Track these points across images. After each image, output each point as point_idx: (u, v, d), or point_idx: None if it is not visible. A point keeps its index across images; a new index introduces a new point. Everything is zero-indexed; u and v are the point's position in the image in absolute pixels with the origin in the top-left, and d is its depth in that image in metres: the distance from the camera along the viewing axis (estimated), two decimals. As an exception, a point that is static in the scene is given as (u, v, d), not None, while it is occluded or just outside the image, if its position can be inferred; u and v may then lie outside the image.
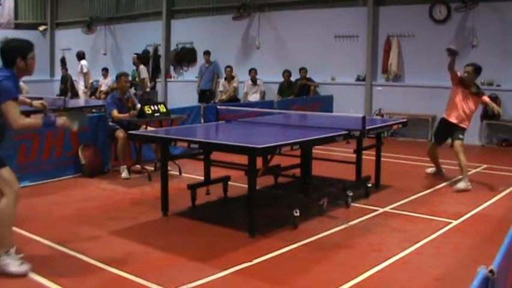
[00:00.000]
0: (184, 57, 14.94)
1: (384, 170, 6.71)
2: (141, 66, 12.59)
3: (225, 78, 12.93)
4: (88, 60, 16.29)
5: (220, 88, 12.97)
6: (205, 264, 4.04)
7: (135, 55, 12.91)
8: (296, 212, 4.91)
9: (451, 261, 4.18)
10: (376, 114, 11.55)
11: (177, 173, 7.19)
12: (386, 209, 5.65)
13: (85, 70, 12.52)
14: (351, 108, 11.24)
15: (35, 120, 4.10)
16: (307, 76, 12.31)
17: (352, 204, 5.74)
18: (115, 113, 7.24)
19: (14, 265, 3.77)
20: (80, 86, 13.24)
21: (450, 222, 5.15)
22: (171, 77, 15.39)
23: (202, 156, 5.83)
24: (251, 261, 4.07)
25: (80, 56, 13.09)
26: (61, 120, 3.98)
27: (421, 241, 4.58)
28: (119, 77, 7.73)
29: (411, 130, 10.56)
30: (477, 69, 6.91)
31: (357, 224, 5.13)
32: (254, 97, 12.56)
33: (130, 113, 7.18)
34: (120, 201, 5.93)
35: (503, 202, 6.03)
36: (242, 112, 8.49)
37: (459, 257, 4.27)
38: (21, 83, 13.72)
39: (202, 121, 9.18)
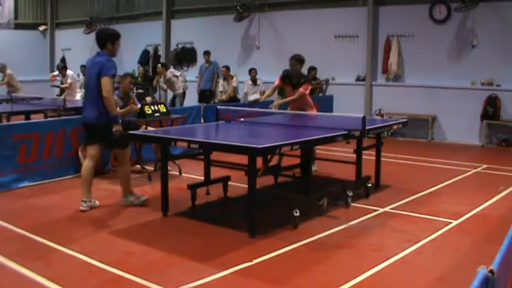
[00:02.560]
0: (184, 57, 14.94)
1: (383, 170, 6.71)
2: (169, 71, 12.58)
3: (224, 79, 12.93)
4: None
5: (220, 88, 12.96)
6: (205, 264, 4.04)
7: (159, 64, 12.78)
8: (296, 212, 4.90)
9: (451, 261, 4.18)
10: (376, 114, 11.56)
11: (177, 173, 7.19)
12: (387, 209, 5.65)
13: (69, 81, 12.50)
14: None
15: (115, 107, 5.54)
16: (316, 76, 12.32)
17: (352, 204, 5.74)
18: (117, 109, 7.22)
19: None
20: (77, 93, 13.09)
21: (450, 222, 5.15)
22: (171, 77, 15.38)
23: (202, 156, 5.83)
24: (251, 261, 4.07)
25: (64, 68, 12.77)
26: (118, 127, 5.38)
27: (421, 241, 4.58)
28: (124, 77, 7.72)
29: (411, 130, 10.57)
30: (300, 60, 7.14)
31: (357, 224, 5.13)
32: (254, 97, 12.53)
33: (131, 107, 7.15)
34: (120, 201, 5.92)
35: (503, 202, 6.03)
36: (242, 112, 8.49)
37: (459, 257, 4.27)
38: (8, 71, 13.61)
39: (202, 121, 9.18)
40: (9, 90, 12.92)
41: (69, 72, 12.42)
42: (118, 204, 5.69)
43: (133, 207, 5.71)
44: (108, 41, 5.42)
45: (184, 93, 12.54)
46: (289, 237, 4.65)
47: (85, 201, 5.48)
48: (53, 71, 15.58)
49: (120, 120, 5.46)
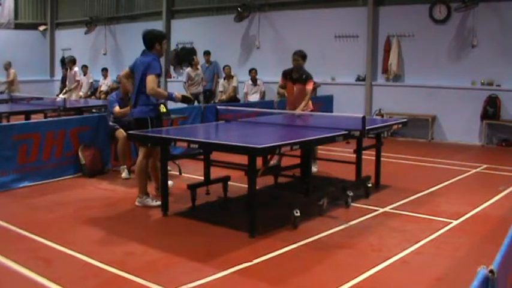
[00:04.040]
0: (185, 57, 14.95)
1: (383, 170, 6.71)
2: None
3: (224, 78, 12.93)
4: (88, 60, 16.35)
5: (220, 88, 12.97)
6: (205, 264, 4.04)
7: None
8: (296, 212, 4.90)
9: (451, 261, 4.18)
10: (376, 114, 11.56)
11: (177, 173, 7.19)
12: (387, 209, 5.65)
13: (78, 78, 12.53)
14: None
15: (164, 91, 5.88)
16: None
17: (352, 204, 5.74)
18: (117, 109, 7.24)
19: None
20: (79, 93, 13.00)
21: (450, 222, 5.15)
22: (171, 77, 15.39)
23: (202, 156, 5.83)
24: (251, 261, 4.07)
25: (73, 61, 12.73)
26: (179, 95, 5.79)
27: (421, 241, 4.58)
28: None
29: (411, 130, 10.57)
30: (302, 56, 7.31)
31: (357, 224, 5.12)
32: (254, 97, 12.56)
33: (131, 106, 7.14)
34: (120, 201, 5.92)
35: (503, 202, 6.03)
36: (242, 112, 8.49)
37: (459, 257, 4.27)
38: (12, 70, 13.56)
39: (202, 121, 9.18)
40: (10, 89, 12.94)
41: (76, 69, 12.40)
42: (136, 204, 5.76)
43: (133, 207, 5.71)
44: (155, 41, 5.63)
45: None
46: (289, 237, 4.65)
47: (140, 197, 5.71)
48: (54, 75, 15.59)
49: (174, 95, 5.73)
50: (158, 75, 5.54)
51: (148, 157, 5.82)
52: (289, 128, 6.45)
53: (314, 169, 6.96)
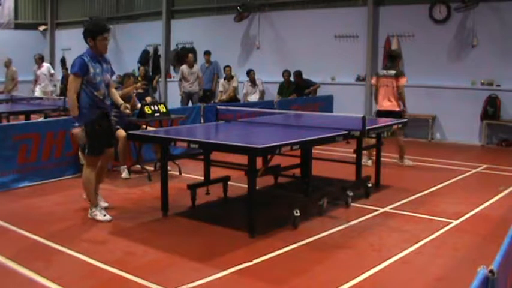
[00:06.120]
0: (185, 57, 14.95)
1: (383, 170, 6.71)
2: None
3: (225, 78, 12.93)
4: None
5: (220, 88, 12.97)
6: (205, 264, 4.04)
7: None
8: (296, 212, 4.91)
9: (451, 261, 4.18)
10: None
11: (177, 173, 7.19)
12: (387, 209, 5.65)
13: (52, 71, 12.75)
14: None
15: (76, 106, 4.88)
16: (305, 78, 12.28)
17: (352, 204, 5.74)
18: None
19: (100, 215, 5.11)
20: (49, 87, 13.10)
21: (450, 222, 5.15)
22: (171, 77, 15.38)
23: (202, 156, 5.83)
24: (251, 261, 4.07)
25: (42, 59, 13.09)
26: (76, 130, 4.92)
27: (421, 241, 4.58)
28: (127, 77, 7.77)
29: (411, 130, 10.56)
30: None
31: (357, 224, 5.13)
32: (254, 97, 12.56)
33: (137, 85, 7.12)
34: (120, 201, 5.92)
35: (503, 202, 6.03)
36: (242, 112, 8.49)
37: (459, 257, 4.27)
38: (13, 68, 13.80)
39: (202, 121, 9.19)
40: (13, 88, 12.94)
41: (44, 64, 12.72)
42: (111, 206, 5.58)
43: (133, 207, 5.71)
44: (87, 36, 4.93)
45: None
46: (289, 237, 4.65)
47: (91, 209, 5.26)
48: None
49: (77, 124, 4.91)
50: (76, 75, 4.80)
51: (96, 165, 5.20)
52: (289, 128, 6.45)
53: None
